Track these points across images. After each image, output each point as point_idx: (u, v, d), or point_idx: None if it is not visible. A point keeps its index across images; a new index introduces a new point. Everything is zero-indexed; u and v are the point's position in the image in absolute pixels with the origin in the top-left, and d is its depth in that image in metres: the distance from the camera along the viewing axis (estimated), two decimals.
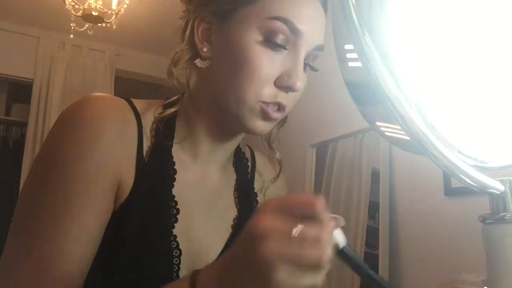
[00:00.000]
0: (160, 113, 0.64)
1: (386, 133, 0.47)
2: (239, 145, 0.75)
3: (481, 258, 0.46)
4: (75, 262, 0.53)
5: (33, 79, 3.46)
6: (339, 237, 0.40)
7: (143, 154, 0.61)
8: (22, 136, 3.75)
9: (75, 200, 0.54)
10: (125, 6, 2.75)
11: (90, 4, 2.63)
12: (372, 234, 2.13)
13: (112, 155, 0.57)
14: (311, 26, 0.60)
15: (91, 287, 0.56)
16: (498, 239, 0.44)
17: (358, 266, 0.40)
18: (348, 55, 0.44)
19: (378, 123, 0.47)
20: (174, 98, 0.66)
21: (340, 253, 0.40)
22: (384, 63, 0.40)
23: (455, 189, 1.78)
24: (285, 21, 0.58)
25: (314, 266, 0.37)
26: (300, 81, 0.59)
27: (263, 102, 0.59)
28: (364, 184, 2.23)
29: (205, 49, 0.63)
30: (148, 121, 0.64)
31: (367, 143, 2.27)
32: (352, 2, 0.41)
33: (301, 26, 0.59)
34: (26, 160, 3.32)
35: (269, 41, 0.58)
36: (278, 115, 0.61)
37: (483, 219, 0.45)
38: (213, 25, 0.62)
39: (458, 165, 0.42)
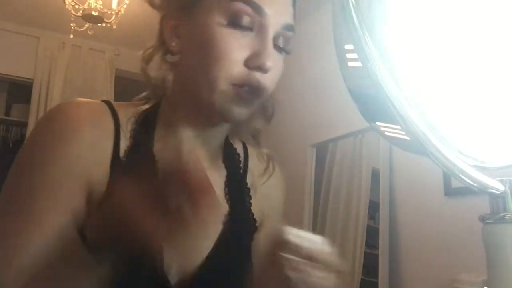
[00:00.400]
0: (138, 112, 0.65)
1: (386, 133, 0.47)
2: (229, 140, 0.75)
3: (481, 258, 0.46)
4: (32, 259, 0.53)
5: (33, 79, 3.45)
6: None
7: (119, 155, 0.61)
8: (22, 136, 3.75)
9: (37, 203, 0.55)
10: (125, 6, 2.75)
11: (90, 4, 2.63)
12: (372, 234, 2.13)
13: (81, 160, 0.58)
14: (275, 6, 0.60)
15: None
16: (498, 239, 0.44)
17: None
18: (348, 55, 0.44)
19: (378, 123, 0.47)
20: (143, 94, 0.67)
21: None
22: (384, 63, 0.40)
23: (455, 189, 1.78)
24: (247, 2, 0.58)
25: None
26: (269, 61, 0.59)
27: (235, 85, 0.59)
28: (364, 184, 2.23)
29: (173, 44, 0.63)
30: (127, 121, 0.64)
31: (367, 143, 2.27)
32: (352, 2, 0.41)
33: (265, 6, 0.58)
34: None
35: (234, 23, 0.58)
36: (253, 98, 0.60)
37: (483, 219, 0.45)
38: (180, 19, 0.63)
39: (458, 165, 0.42)
